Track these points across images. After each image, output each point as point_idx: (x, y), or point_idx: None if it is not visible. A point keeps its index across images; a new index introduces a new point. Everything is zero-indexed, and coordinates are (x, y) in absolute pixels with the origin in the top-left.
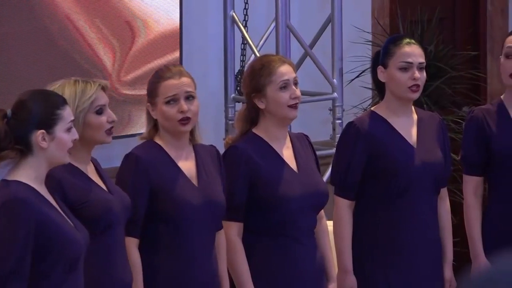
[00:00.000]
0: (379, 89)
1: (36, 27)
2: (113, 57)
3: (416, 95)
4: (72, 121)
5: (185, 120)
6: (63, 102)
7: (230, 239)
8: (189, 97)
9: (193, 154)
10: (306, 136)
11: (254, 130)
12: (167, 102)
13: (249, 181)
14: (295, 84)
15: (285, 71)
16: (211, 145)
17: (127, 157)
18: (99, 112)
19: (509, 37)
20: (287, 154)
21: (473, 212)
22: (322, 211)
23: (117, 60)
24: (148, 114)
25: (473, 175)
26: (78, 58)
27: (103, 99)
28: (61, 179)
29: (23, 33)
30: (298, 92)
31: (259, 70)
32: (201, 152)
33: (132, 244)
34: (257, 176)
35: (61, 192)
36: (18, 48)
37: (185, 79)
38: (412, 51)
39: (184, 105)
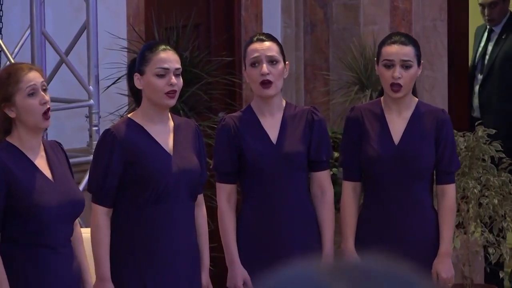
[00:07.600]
0: (135, 96)
1: None
2: None
3: (172, 102)
4: None
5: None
6: None
7: None
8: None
9: None
10: (59, 144)
11: (8, 139)
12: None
13: (4, 190)
14: (44, 90)
15: (33, 77)
16: None
17: None
18: None
19: (251, 45)
20: (41, 163)
21: (227, 219)
22: (78, 218)
23: None
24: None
25: (226, 183)
26: None
27: None
28: None
29: None
30: (47, 97)
31: (6, 79)
32: None
33: None
34: (12, 186)
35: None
36: None
37: None
38: (168, 57)
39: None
